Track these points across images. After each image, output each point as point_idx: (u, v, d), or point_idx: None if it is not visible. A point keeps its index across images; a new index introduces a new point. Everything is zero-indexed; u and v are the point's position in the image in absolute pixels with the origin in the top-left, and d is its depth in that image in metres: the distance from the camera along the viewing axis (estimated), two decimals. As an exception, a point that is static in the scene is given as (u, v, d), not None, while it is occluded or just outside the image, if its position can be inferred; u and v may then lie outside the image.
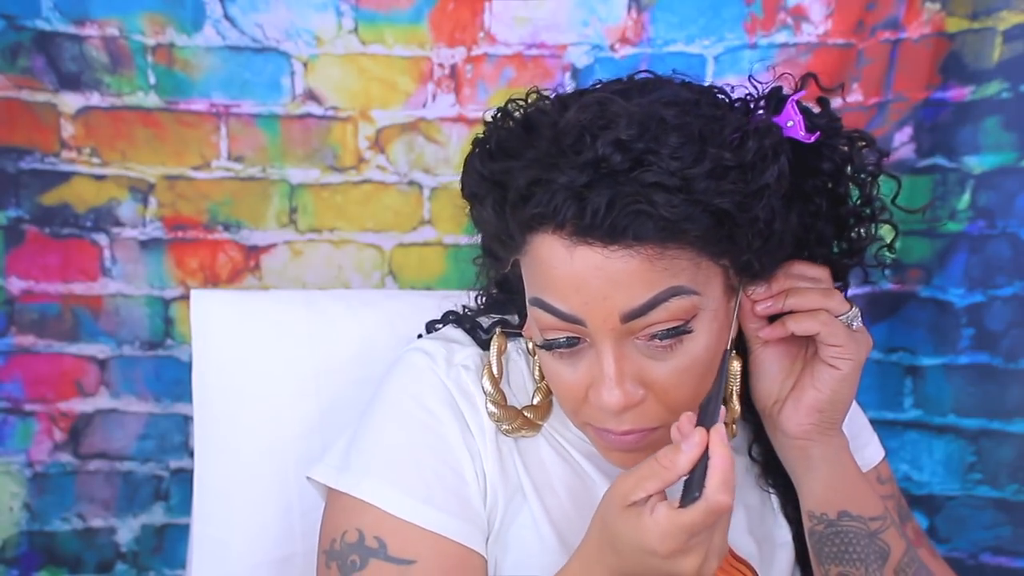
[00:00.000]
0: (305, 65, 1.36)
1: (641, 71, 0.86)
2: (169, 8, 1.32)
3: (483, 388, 0.91)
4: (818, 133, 0.84)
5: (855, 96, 1.36)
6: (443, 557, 0.85)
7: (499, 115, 0.85)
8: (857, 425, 1.01)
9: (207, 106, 1.36)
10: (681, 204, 0.74)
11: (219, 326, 1.16)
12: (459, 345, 0.94)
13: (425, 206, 1.41)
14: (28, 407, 1.39)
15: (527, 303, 0.84)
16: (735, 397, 0.89)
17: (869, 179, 0.88)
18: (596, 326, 0.79)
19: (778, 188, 0.79)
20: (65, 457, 1.41)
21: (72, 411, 1.40)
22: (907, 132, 1.39)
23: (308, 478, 0.92)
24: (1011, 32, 1.32)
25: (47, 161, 1.35)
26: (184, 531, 1.36)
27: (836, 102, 0.90)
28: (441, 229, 1.42)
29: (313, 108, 1.37)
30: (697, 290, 0.79)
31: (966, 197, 1.37)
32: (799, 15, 1.35)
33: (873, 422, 1.05)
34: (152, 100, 1.35)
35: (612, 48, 1.37)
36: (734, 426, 0.91)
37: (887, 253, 0.92)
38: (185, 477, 1.39)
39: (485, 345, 0.94)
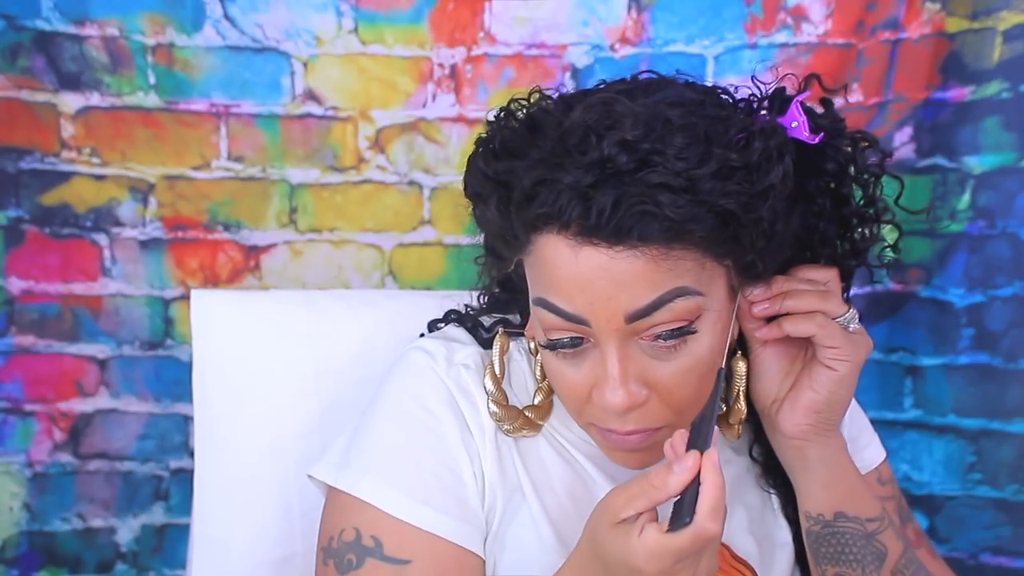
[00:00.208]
0: (305, 65, 1.36)
1: (645, 71, 0.86)
2: (169, 8, 1.32)
3: (485, 388, 0.91)
4: (822, 134, 0.84)
5: (855, 96, 1.36)
6: (439, 557, 0.85)
7: (502, 115, 0.85)
8: (858, 426, 1.01)
9: (207, 106, 1.35)
10: (686, 205, 0.74)
11: (219, 326, 1.16)
12: (460, 344, 0.94)
13: (425, 206, 1.41)
14: (28, 407, 1.39)
15: (531, 303, 0.84)
16: (742, 398, 0.89)
17: (872, 179, 0.88)
18: (600, 326, 0.78)
19: (783, 189, 0.79)
20: (65, 457, 1.41)
21: (72, 411, 1.40)
22: (907, 132, 1.39)
23: (309, 476, 0.92)
24: (1011, 32, 1.32)
25: (47, 161, 1.34)
26: (184, 531, 1.36)
27: (837, 102, 0.90)
28: (441, 229, 1.42)
29: (313, 108, 1.37)
30: (701, 291, 0.79)
31: (966, 197, 1.37)
32: (799, 15, 1.35)
33: (873, 422, 1.04)
34: (152, 100, 1.34)
35: (612, 48, 1.37)
36: (738, 427, 0.91)
37: (891, 253, 0.92)
38: (185, 477, 1.39)
39: (486, 344, 0.94)
